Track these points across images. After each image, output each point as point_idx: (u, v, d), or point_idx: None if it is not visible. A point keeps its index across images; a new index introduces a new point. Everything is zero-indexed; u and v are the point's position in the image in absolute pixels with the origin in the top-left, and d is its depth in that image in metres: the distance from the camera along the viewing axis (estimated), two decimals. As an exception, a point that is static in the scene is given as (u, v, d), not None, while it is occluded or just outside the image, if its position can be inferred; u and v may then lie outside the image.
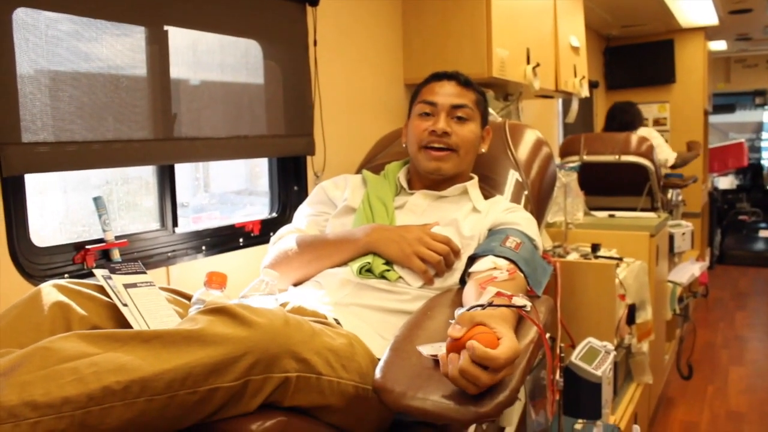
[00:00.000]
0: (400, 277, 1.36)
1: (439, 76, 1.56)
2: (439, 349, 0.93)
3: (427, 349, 0.96)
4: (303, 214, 1.62)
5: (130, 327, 1.09)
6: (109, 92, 1.41)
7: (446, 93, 1.52)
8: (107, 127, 1.40)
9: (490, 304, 0.97)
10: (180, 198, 1.68)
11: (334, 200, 1.61)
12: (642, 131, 4.19)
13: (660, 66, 5.16)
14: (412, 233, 1.38)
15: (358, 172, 1.84)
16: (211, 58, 1.68)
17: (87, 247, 1.42)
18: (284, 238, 1.53)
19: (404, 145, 1.62)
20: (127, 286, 1.16)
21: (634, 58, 5.22)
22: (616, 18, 4.64)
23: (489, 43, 2.26)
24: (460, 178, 1.57)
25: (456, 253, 1.39)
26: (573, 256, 2.31)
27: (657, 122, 5.25)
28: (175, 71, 1.56)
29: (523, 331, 1.08)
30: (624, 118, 4.17)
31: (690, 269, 3.36)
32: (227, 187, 2.09)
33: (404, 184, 1.59)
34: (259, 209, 2.05)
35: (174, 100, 1.56)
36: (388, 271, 1.36)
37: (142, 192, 1.68)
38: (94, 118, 1.38)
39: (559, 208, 2.49)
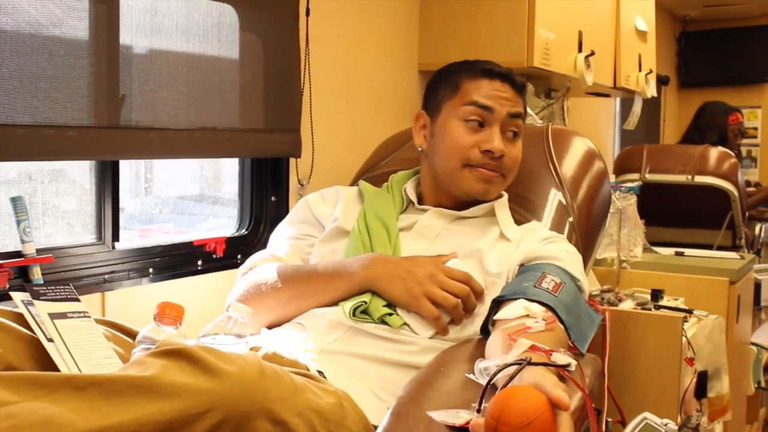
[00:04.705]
0: (405, 324, 1.39)
1: (491, 73, 1.55)
2: (456, 416, 0.96)
3: (440, 416, 0.98)
4: (282, 236, 1.65)
5: (57, 369, 1.11)
6: (38, 60, 1.42)
7: (503, 97, 1.54)
8: (33, 108, 1.41)
9: (529, 362, 0.99)
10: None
11: (321, 219, 1.64)
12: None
13: (751, 59, 5.21)
14: (422, 268, 1.40)
15: (355, 183, 1.87)
16: (173, 24, 1.72)
17: (-1, 261, 1.45)
18: (257, 268, 1.56)
19: (419, 149, 1.64)
20: (53, 316, 1.18)
21: (718, 48, 5.28)
22: (697, -6, 4.68)
23: (531, 23, 2.31)
24: (487, 196, 1.60)
25: (478, 295, 1.42)
26: (627, 305, 2.33)
27: (744, 133, 5.30)
28: (127, 38, 1.60)
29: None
30: (702, 123, 4.18)
31: (781, 329, 3.37)
32: (180, 191, 2.12)
33: (413, 197, 1.62)
34: (224, 223, 2.08)
35: (123, 76, 1.59)
36: (390, 315, 1.39)
37: (75, 193, 1.71)
38: (16, 95, 1.39)
39: (611, 240, 2.51)
